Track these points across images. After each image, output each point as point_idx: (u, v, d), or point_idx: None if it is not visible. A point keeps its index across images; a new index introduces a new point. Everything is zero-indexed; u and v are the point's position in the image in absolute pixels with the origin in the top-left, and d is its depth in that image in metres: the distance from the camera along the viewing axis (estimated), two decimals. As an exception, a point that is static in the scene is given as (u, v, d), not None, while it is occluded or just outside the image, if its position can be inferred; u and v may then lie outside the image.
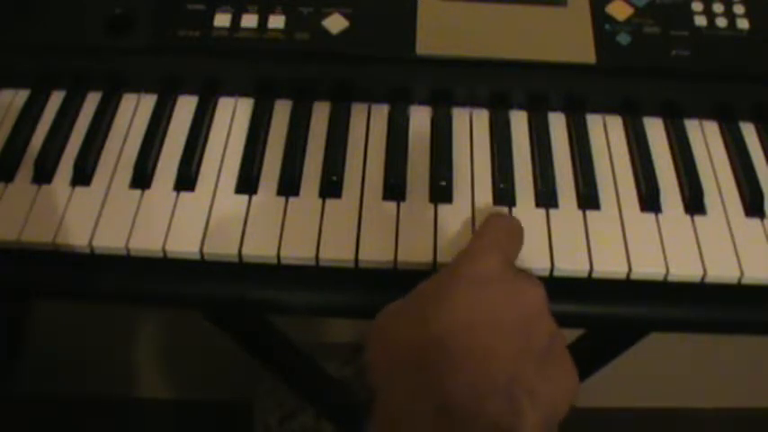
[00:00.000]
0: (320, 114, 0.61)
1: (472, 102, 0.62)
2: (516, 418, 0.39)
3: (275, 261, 0.53)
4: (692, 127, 0.62)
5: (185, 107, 0.62)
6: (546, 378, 0.41)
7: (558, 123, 0.62)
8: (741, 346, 1.20)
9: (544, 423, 0.40)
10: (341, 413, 1.03)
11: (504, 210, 0.55)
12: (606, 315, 0.54)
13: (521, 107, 0.62)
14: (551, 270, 0.52)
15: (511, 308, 0.42)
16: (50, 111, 0.62)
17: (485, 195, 0.56)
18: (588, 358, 0.77)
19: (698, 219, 0.56)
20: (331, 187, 0.56)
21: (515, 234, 0.50)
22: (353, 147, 0.59)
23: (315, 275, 0.53)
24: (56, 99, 0.62)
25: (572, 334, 0.63)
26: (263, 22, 0.61)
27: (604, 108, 0.62)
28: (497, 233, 0.48)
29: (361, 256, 0.52)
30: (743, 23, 0.62)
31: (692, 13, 0.62)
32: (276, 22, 0.61)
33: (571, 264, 0.53)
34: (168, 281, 0.54)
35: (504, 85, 0.62)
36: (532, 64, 0.61)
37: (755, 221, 0.56)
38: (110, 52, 0.62)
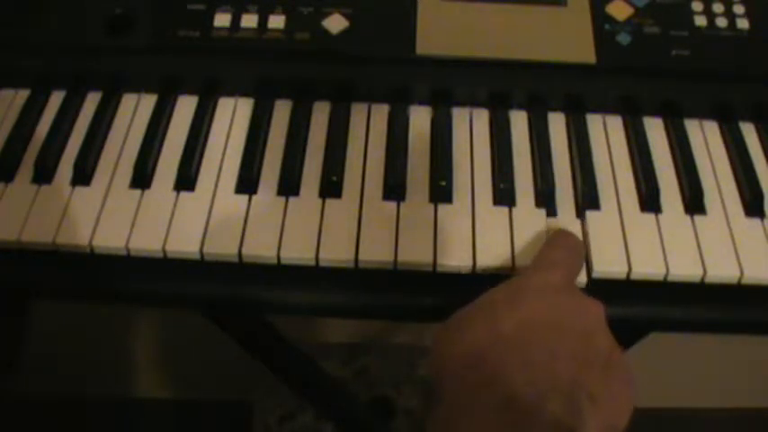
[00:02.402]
0: (320, 114, 0.61)
1: (472, 102, 0.62)
2: (577, 420, 0.40)
3: (275, 261, 0.53)
4: (692, 127, 0.62)
5: (185, 107, 0.62)
6: (607, 387, 0.42)
7: (558, 123, 0.62)
8: (741, 346, 1.20)
9: (604, 430, 0.41)
10: (341, 413, 1.04)
11: (504, 209, 0.55)
12: (606, 315, 0.53)
13: (521, 107, 0.62)
14: (551, 270, 0.52)
15: (574, 317, 0.44)
16: (50, 111, 0.61)
17: (485, 195, 0.56)
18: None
19: (698, 219, 0.56)
20: (331, 187, 0.56)
21: (579, 253, 0.52)
22: (353, 147, 0.59)
23: (315, 275, 0.53)
24: (56, 99, 0.62)
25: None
26: (263, 22, 0.61)
27: (604, 108, 0.62)
28: (563, 250, 0.51)
29: (361, 257, 0.52)
30: (743, 23, 0.62)
31: (692, 13, 0.62)
32: (276, 22, 0.61)
33: (571, 264, 0.53)
34: (168, 281, 0.54)
35: (503, 85, 0.62)
36: (532, 64, 0.61)
37: (755, 221, 0.56)
38: (110, 52, 0.62)
